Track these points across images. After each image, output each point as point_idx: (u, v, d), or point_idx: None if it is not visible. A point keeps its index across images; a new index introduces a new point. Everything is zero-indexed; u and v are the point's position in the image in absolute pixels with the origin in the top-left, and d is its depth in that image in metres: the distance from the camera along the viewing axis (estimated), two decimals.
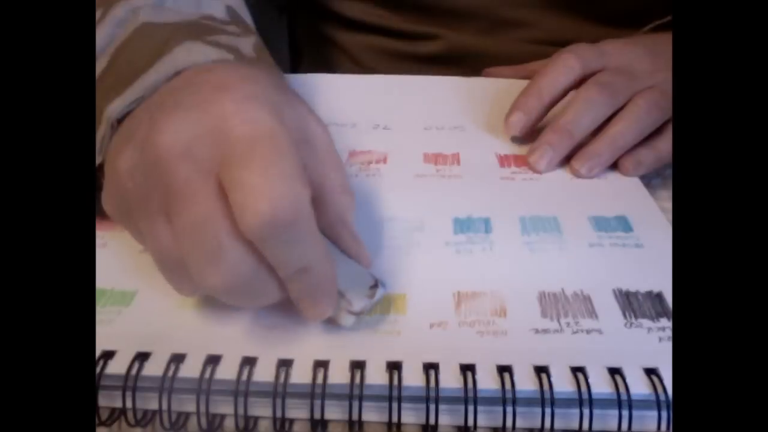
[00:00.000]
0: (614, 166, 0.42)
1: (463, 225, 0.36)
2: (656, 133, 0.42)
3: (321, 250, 0.26)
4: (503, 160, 0.43)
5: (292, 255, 0.25)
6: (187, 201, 0.25)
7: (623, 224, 0.36)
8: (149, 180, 0.26)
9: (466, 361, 0.26)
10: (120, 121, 0.31)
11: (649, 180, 0.42)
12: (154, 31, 0.34)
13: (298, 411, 0.26)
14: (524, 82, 0.46)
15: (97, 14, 0.36)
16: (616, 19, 0.54)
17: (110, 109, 0.31)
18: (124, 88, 0.31)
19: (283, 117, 0.27)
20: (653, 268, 0.32)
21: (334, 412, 0.26)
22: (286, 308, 0.29)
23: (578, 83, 0.43)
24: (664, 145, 0.42)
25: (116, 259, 0.33)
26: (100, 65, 0.34)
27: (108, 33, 0.35)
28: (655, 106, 0.41)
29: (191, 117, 0.26)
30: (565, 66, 0.43)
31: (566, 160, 0.42)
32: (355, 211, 0.31)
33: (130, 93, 0.31)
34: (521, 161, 0.43)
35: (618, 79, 0.42)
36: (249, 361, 0.26)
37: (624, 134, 0.41)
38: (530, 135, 0.44)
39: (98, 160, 0.31)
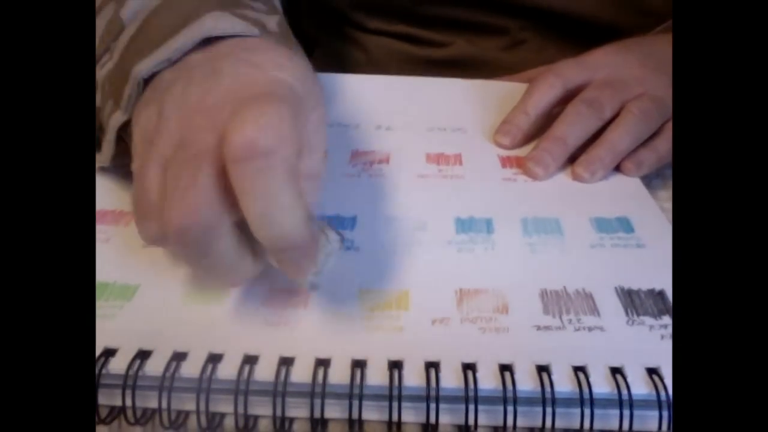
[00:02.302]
0: (615, 167, 0.42)
1: (465, 225, 0.36)
2: (655, 134, 0.42)
3: (297, 199, 0.25)
4: (505, 161, 0.43)
5: (262, 186, 0.24)
6: (188, 143, 0.26)
7: (625, 225, 0.36)
8: (167, 126, 0.28)
9: (468, 358, 0.26)
10: (147, 81, 0.32)
11: (649, 180, 0.42)
12: (185, 0, 0.35)
13: (298, 410, 0.26)
14: (522, 86, 0.47)
15: None
16: None
17: (137, 69, 0.32)
18: (152, 51, 0.32)
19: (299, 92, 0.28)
20: (655, 267, 0.32)
21: (334, 410, 0.26)
22: (288, 305, 0.29)
23: (565, 98, 0.44)
24: (664, 145, 0.42)
25: (119, 253, 0.33)
26: (130, 30, 0.35)
27: (139, 2, 0.36)
28: (647, 113, 0.42)
29: (222, 82, 0.28)
30: (546, 85, 0.44)
31: (567, 163, 0.42)
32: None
33: (158, 55, 0.32)
34: (523, 162, 0.43)
35: (604, 93, 0.42)
36: (250, 360, 0.26)
37: (622, 139, 0.41)
38: (530, 139, 0.44)
39: (125, 118, 0.33)
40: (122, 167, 0.35)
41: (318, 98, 0.31)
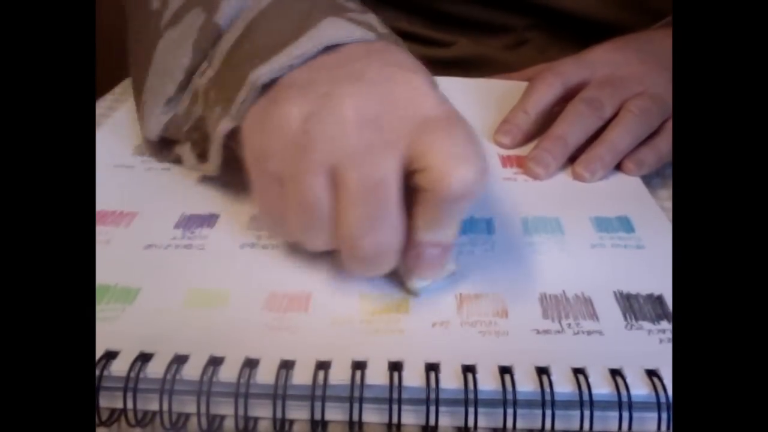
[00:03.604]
0: (616, 166, 0.42)
1: (465, 225, 0.36)
2: (656, 132, 0.42)
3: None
4: (505, 161, 0.43)
5: (455, 223, 0.29)
6: (366, 162, 0.27)
7: (625, 225, 0.36)
8: (323, 133, 0.27)
9: (468, 360, 0.27)
10: (265, 87, 0.31)
11: (649, 180, 0.42)
12: (293, 4, 0.35)
13: (298, 412, 0.26)
14: (522, 84, 0.47)
15: None
16: None
17: (256, 75, 0.31)
18: (269, 56, 0.31)
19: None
20: (654, 271, 0.32)
21: (335, 413, 0.26)
22: (289, 309, 0.30)
23: (565, 97, 0.44)
24: (665, 144, 0.42)
25: (120, 255, 0.33)
26: (232, 36, 0.35)
27: (236, 5, 0.36)
28: (646, 112, 0.42)
29: (379, 90, 0.28)
30: (545, 84, 0.44)
31: (568, 163, 0.42)
32: None
33: (278, 60, 0.31)
34: (523, 162, 0.42)
35: (604, 92, 0.42)
36: (250, 363, 0.26)
37: (622, 138, 0.41)
38: (530, 139, 0.44)
39: (234, 124, 0.32)
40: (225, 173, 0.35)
41: None
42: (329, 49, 0.31)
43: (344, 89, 0.28)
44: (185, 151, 0.37)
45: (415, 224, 0.28)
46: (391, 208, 0.27)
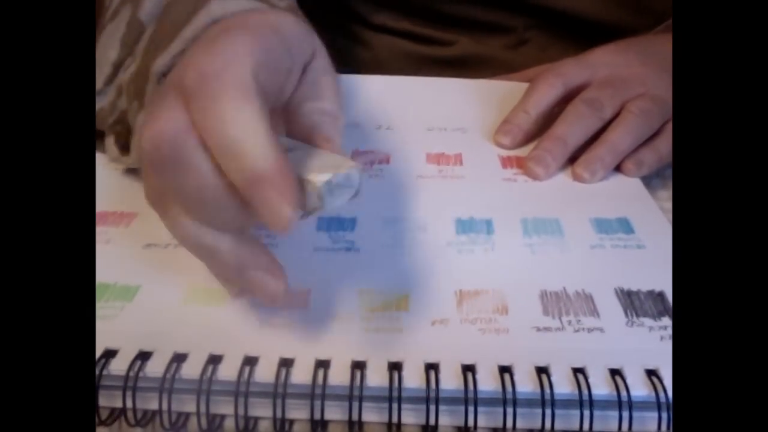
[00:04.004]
0: (616, 168, 0.42)
1: (465, 226, 0.36)
2: (656, 134, 0.42)
3: (257, 123, 0.24)
4: (506, 162, 0.43)
5: (218, 109, 0.24)
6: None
7: (625, 226, 0.36)
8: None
9: (467, 359, 0.27)
10: (165, 75, 0.31)
11: (649, 180, 0.42)
12: None
13: (298, 411, 0.26)
14: (522, 86, 0.47)
15: None
16: None
17: (155, 66, 0.32)
18: (167, 45, 0.32)
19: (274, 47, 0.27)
20: (655, 268, 0.32)
21: (335, 412, 0.26)
22: (288, 306, 0.30)
23: (566, 98, 0.44)
24: (665, 145, 0.42)
25: (120, 254, 0.33)
26: (149, 30, 0.36)
27: (157, 0, 0.37)
28: (647, 113, 0.42)
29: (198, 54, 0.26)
30: (546, 84, 0.44)
31: (567, 163, 0.42)
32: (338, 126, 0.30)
33: (172, 48, 0.32)
34: (523, 163, 0.43)
35: (604, 92, 0.42)
36: (250, 361, 0.26)
37: (622, 139, 0.41)
38: (530, 140, 0.44)
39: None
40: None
41: (318, 48, 0.31)
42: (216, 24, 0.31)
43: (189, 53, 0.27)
44: (109, 143, 0.38)
45: None
46: (165, 104, 0.25)
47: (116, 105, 0.37)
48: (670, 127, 0.43)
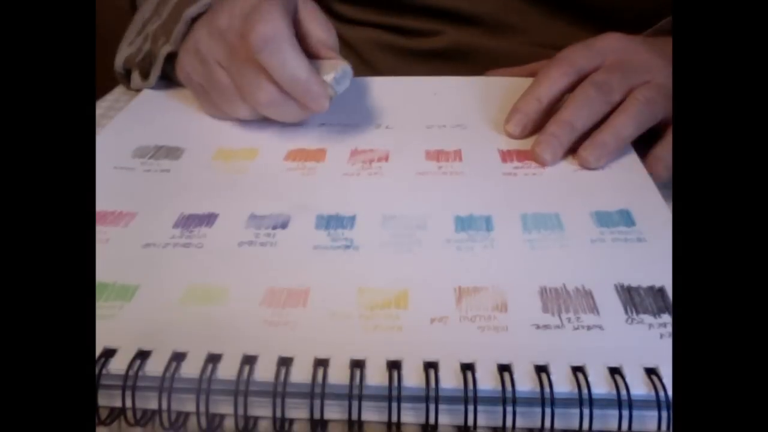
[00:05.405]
0: (618, 157, 0.42)
1: (464, 223, 0.36)
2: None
3: (299, 60, 0.40)
4: (505, 156, 0.43)
5: (278, 59, 0.39)
6: (234, 52, 0.42)
7: (626, 218, 0.36)
8: (209, 40, 0.44)
9: (467, 357, 0.26)
10: (194, 20, 0.47)
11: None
12: None
13: (297, 411, 0.26)
14: (525, 81, 0.47)
15: None
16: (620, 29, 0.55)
17: (188, 12, 0.47)
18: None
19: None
20: (655, 263, 0.32)
21: (334, 411, 0.26)
22: (287, 305, 0.30)
23: (576, 85, 0.43)
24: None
25: (119, 253, 0.33)
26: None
27: None
28: (651, 101, 0.41)
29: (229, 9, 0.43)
30: (560, 73, 0.44)
31: (569, 153, 0.42)
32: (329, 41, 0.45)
33: (201, 1, 0.47)
34: (523, 156, 0.42)
35: (613, 76, 0.42)
36: (249, 360, 0.26)
37: (626, 125, 0.41)
38: (535, 131, 0.44)
39: (172, 48, 0.48)
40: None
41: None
42: None
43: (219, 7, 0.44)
44: (135, 76, 0.53)
45: None
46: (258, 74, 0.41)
47: (142, 49, 0.52)
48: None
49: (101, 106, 0.51)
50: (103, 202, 0.37)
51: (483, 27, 0.58)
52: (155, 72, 0.50)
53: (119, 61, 0.54)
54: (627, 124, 0.41)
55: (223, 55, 0.43)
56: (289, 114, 0.43)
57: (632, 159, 0.42)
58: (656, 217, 0.36)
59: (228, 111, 0.45)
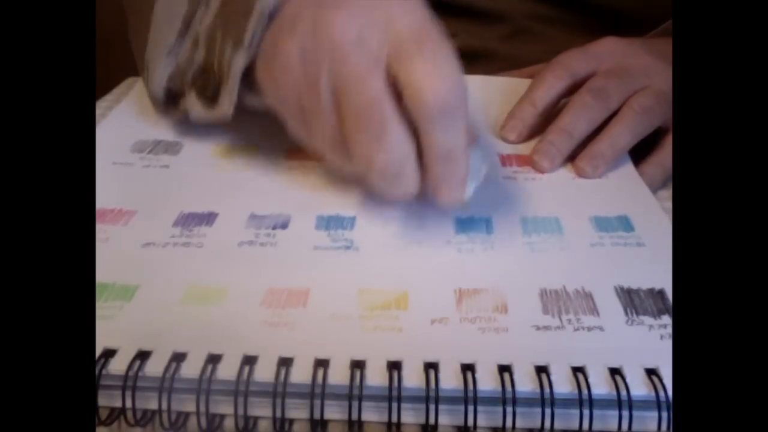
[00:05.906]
0: (616, 165, 0.42)
1: (464, 225, 0.36)
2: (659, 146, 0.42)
3: (465, 140, 0.30)
4: (505, 160, 0.43)
5: (447, 136, 0.30)
6: (359, 83, 0.29)
7: (624, 224, 0.36)
8: (321, 62, 0.30)
9: (467, 358, 0.26)
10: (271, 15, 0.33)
11: None
12: None
13: (297, 411, 0.26)
14: (525, 81, 0.46)
15: None
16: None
17: (262, 3, 0.33)
18: None
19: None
20: (655, 266, 0.32)
21: (334, 411, 0.26)
22: (287, 305, 0.29)
23: (571, 89, 0.44)
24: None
25: (118, 253, 0.33)
26: None
27: None
28: (648, 110, 0.41)
29: (361, 11, 0.30)
30: (554, 77, 0.44)
31: (568, 160, 0.42)
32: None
33: None
34: (523, 161, 0.42)
35: (610, 82, 0.42)
36: (249, 360, 0.26)
37: (623, 135, 0.41)
38: (532, 136, 0.44)
39: (247, 58, 0.34)
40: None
41: None
42: None
43: (330, 17, 0.30)
44: (191, 100, 0.38)
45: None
46: (389, 123, 0.29)
47: (194, 58, 0.37)
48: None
49: (101, 106, 0.51)
50: (102, 199, 0.36)
51: (499, 30, 0.58)
52: (230, 92, 0.35)
53: (159, 81, 0.39)
54: (623, 133, 0.41)
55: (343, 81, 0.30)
56: (397, 189, 0.32)
57: (628, 167, 0.42)
58: (655, 223, 0.36)
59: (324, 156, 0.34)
